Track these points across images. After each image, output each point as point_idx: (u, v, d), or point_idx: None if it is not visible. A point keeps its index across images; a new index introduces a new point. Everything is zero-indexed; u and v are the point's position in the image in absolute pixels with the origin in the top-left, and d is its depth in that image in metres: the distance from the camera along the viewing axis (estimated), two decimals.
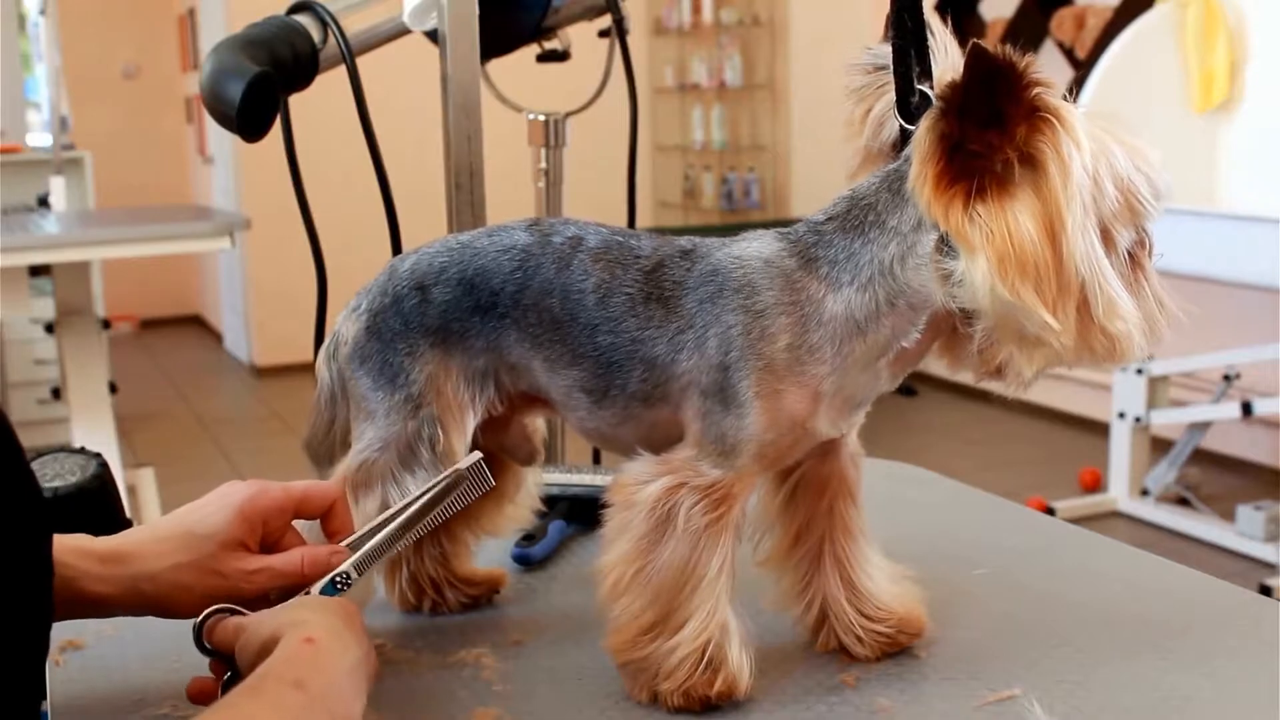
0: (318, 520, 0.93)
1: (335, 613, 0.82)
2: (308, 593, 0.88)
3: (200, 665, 0.85)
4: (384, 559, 0.92)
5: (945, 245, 0.82)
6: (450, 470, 0.93)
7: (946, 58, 0.88)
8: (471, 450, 0.97)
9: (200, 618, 0.84)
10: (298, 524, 0.93)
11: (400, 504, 0.92)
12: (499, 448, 1.06)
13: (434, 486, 0.92)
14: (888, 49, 0.88)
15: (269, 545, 0.91)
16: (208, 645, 0.83)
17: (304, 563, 0.89)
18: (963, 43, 0.89)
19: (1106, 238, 0.81)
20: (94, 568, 0.86)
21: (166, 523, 0.90)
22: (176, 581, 0.86)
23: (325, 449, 1.05)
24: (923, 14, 0.87)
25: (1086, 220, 0.79)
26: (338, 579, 0.88)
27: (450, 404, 0.97)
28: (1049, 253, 0.79)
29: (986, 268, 0.79)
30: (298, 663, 0.75)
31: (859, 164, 0.93)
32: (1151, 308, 0.84)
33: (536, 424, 1.08)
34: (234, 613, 0.84)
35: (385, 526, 0.91)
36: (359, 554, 0.90)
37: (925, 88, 0.86)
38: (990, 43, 0.77)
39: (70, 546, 0.87)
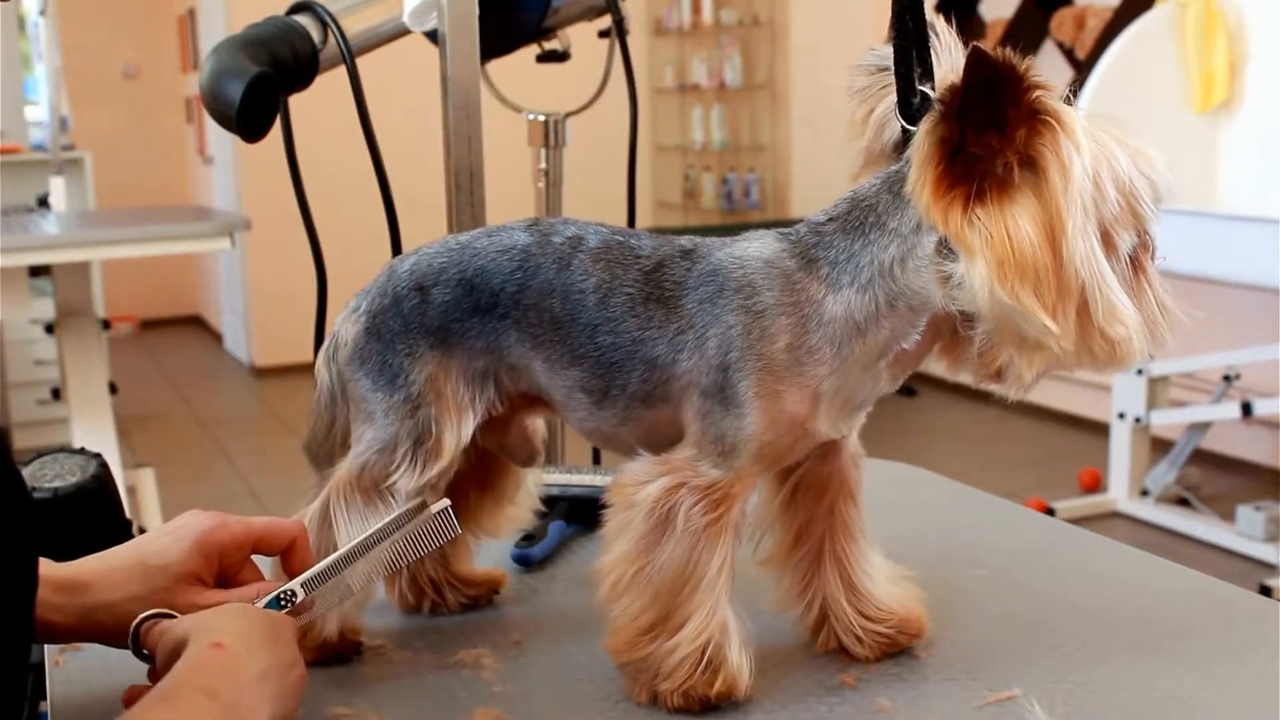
0: (277, 557, 0.93)
1: (254, 620, 0.81)
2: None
3: None
4: (339, 585, 0.91)
5: (945, 247, 0.82)
6: (412, 503, 0.93)
7: (950, 58, 0.88)
8: (448, 493, 0.97)
9: (135, 622, 0.84)
10: (257, 559, 0.93)
11: (360, 537, 0.92)
12: (499, 448, 1.06)
13: (395, 517, 0.92)
14: (891, 50, 0.88)
15: (226, 579, 0.91)
16: (144, 651, 0.83)
17: (258, 598, 0.89)
18: (964, 44, 0.89)
19: (1107, 241, 0.81)
20: (50, 597, 0.86)
21: (124, 553, 0.89)
22: (131, 613, 0.86)
23: (325, 451, 1.05)
24: (924, 14, 0.86)
25: (1087, 223, 0.79)
26: (282, 595, 0.88)
27: (449, 405, 0.97)
28: (1049, 256, 0.79)
29: (985, 271, 0.79)
30: (208, 670, 0.75)
31: (861, 165, 0.93)
32: (1153, 311, 0.83)
33: (536, 425, 1.08)
34: (169, 617, 0.84)
35: (342, 559, 0.91)
36: (307, 573, 0.89)
37: (927, 89, 0.86)
38: (990, 43, 0.77)
39: None
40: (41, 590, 0.85)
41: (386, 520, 0.92)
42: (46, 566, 0.87)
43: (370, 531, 0.92)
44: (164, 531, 0.90)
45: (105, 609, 0.86)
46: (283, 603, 0.88)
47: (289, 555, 0.93)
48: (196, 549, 0.88)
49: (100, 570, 0.88)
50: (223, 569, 0.90)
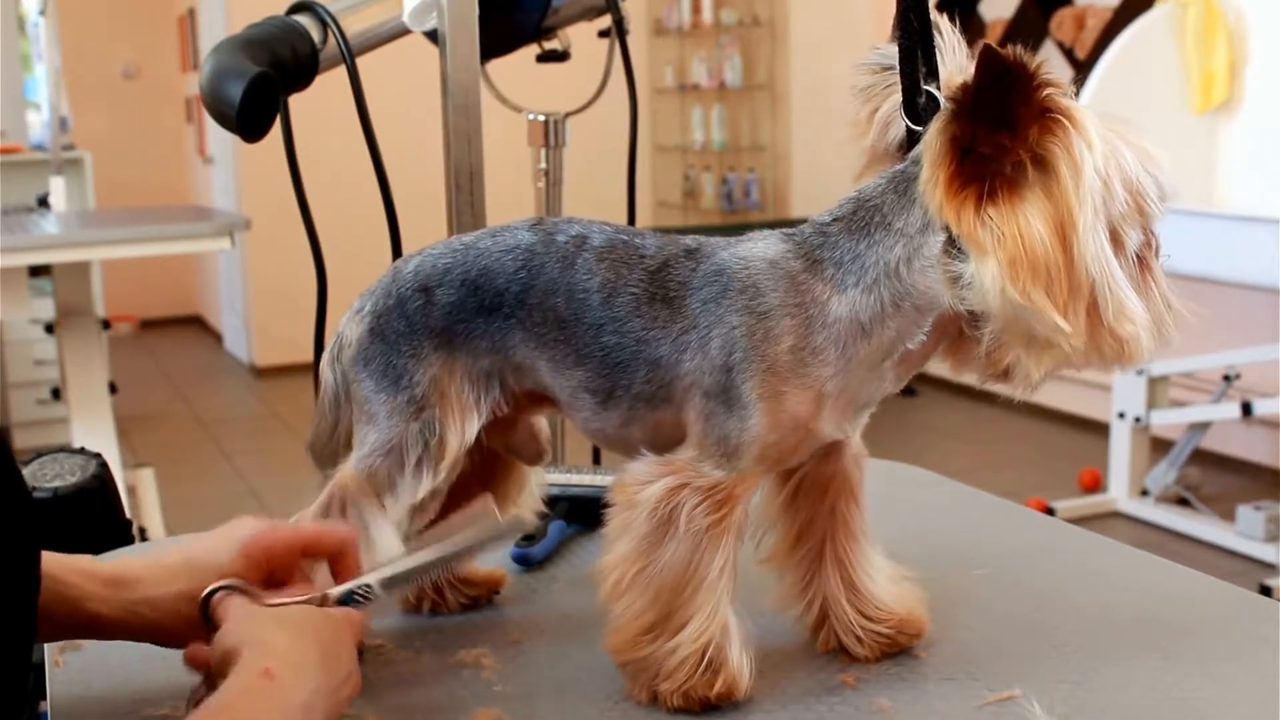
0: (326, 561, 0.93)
1: (309, 638, 0.80)
2: (324, 600, 0.87)
3: None
4: (409, 584, 0.91)
5: (953, 247, 0.82)
6: (472, 508, 0.92)
7: (954, 58, 0.88)
8: (482, 493, 0.98)
9: (206, 591, 0.84)
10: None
11: (429, 547, 0.91)
12: (505, 448, 1.06)
13: (473, 536, 0.92)
14: (895, 49, 0.88)
15: (275, 583, 0.90)
16: (210, 618, 0.84)
17: (330, 591, 0.89)
18: (966, 44, 0.89)
19: (1116, 239, 0.81)
20: (98, 589, 0.87)
21: (171, 551, 0.90)
22: (177, 610, 0.87)
23: (329, 452, 1.05)
24: (929, 14, 0.86)
25: (1097, 222, 0.79)
26: (358, 591, 0.87)
27: (453, 406, 0.97)
28: (1060, 255, 0.79)
29: (997, 270, 0.79)
30: (252, 698, 0.75)
31: (865, 165, 0.93)
32: (1160, 309, 0.84)
33: (542, 424, 1.08)
34: (242, 591, 0.84)
35: (394, 569, 0.90)
36: (387, 570, 0.89)
37: (932, 88, 0.86)
38: (993, 43, 0.77)
39: (75, 567, 0.88)
40: (88, 583, 0.87)
41: (469, 534, 0.91)
42: (92, 561, 0.89)
43: (452, 541, 0.91)
44: (214, 533, 0.91)
45: (150, 604, 0.87)
46: (358, 598, 0.88)
47: (338, 559, 0.92)
48: (244, 552, 0.88)
49: (149, 566, 0.89)
50: (271, 572, 0.90)
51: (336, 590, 0.88)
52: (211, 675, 0.81)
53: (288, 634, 0.80)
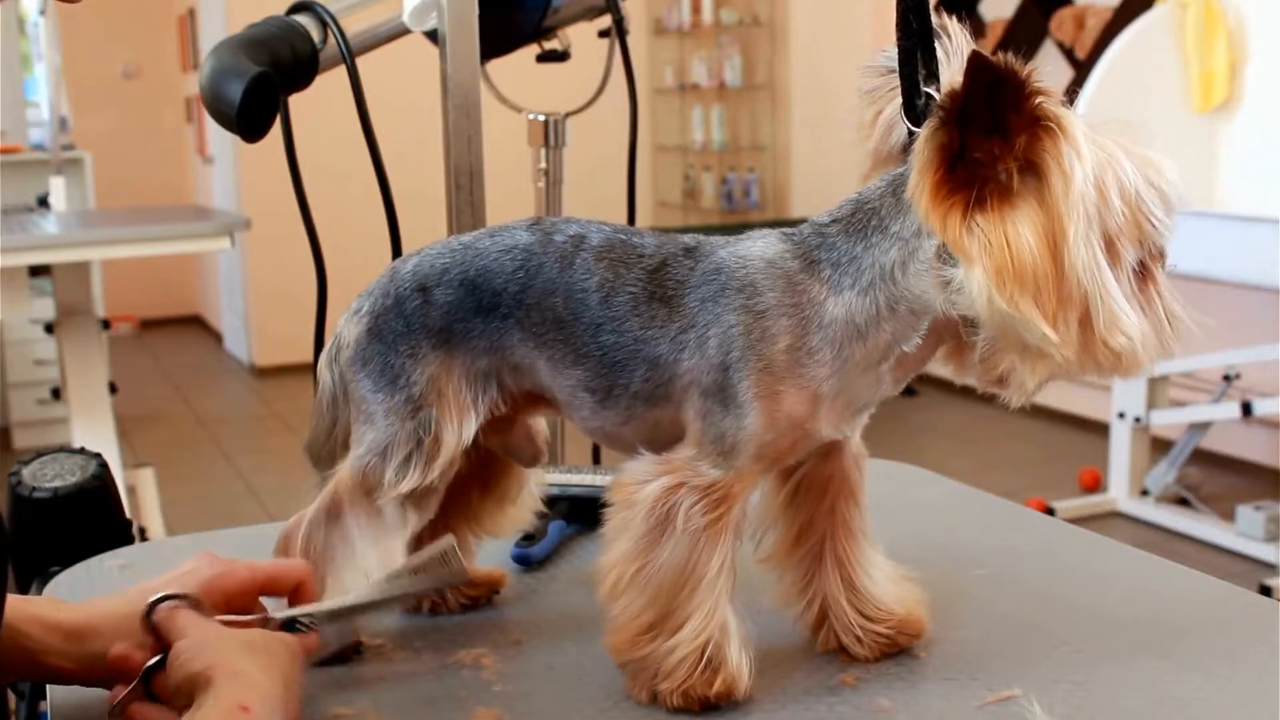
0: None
1: (277, 675, 0.80)
2: (268, 623, 0.88)
3: None
4: (351, 619, 0.92)
5: (946, 252, 0.81)
6: (434, 547, 0.94)
7: (960, 60, 0.87)
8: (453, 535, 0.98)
9: (151, 600, 0.84)
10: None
11: (377, 579, 0.94)
12: (503, 449, 1.06)
13: (414, 562, 0.94)
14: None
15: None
16: (154, 627, 0.84)
17: (274, 614, 0.90)
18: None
19: (1111, 250, 0.80)
20: (57, 643, 0.87)
21: (130, 599, 0.89)
22: (140, 660, 0.86)
23: (327, 452, 1.05)
24: (929, 15, 0.86)
25: (1090, 232, 0.78)
26: (301, 619, 0.89)
27: (451, 406, 0.97)
28: (1049, 264, 0.78)
29: (984, 278, 0.78)
30: None
31: (870, 167, 0.92)
32: (1160, 321, 0.83)
33: (540, 426, 1.08)
34: (183, 598, 0.85)
35: (336, 603, 0.92)
36: (328, 603, 0.90)
37: (932, 90, 0.85)
38: (990, 43, 0.77)
39: (34, 617, 0.88)
40: (49, 637, 0.87)
41: (418, 580, 0.93)
42: (55, 611, 0.89)
43: (394, 573, 0.93)
44: (170, 576, 0.90)
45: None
46: (299, 626, 0.89)
47: (296, 596, 0.94)
48: (203, 597, 0.88)
49: (108, 616, 0.88)
50: (229, 610, 0.90)
51: (280, 615, 0.89)
52: (163, 688, 0.81)
53: (259, 665, 0.80)
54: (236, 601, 0.91)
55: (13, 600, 0.87)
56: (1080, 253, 0.78)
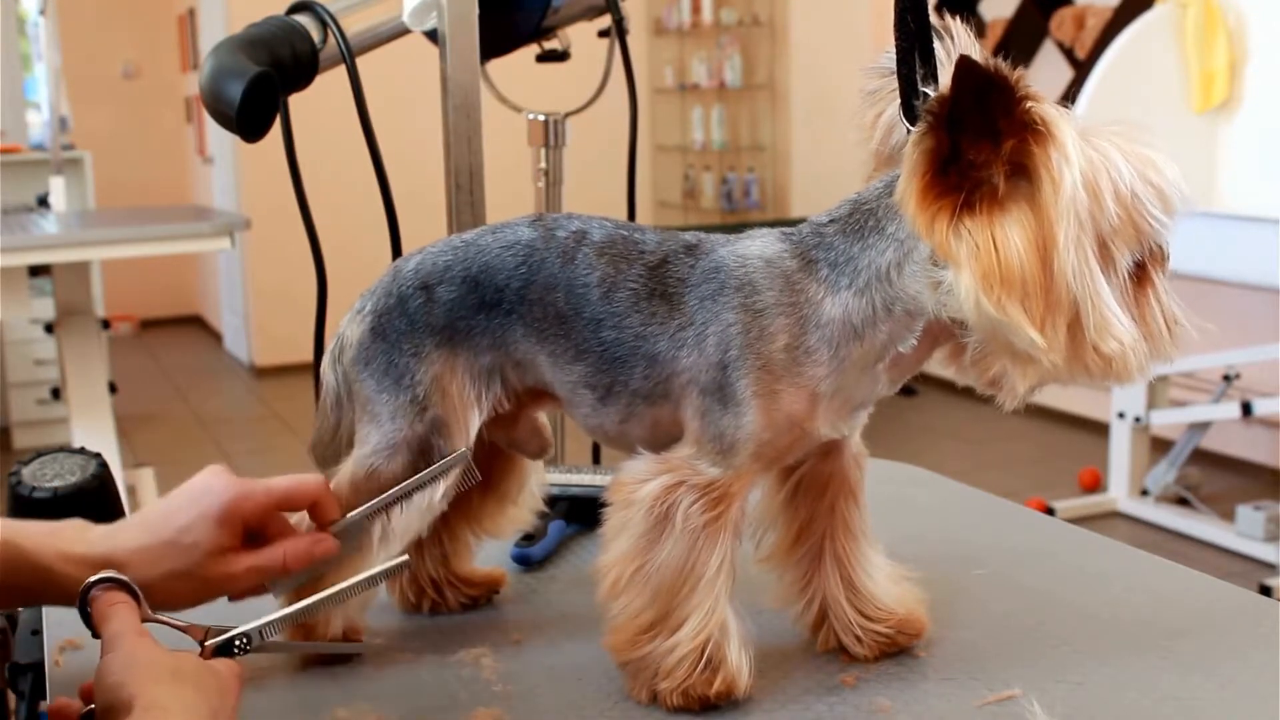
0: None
1: (203, 698, 0.76)
2: (203, 648, 0.87)
3: None
4: (287, 621, 0.92)
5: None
6: (453, 455, 0.96)
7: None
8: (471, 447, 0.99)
9: (85, 585, 0.84)
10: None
11: (392, 490, 0.96)
12: (509, 443, 1.06)
13: (428, 471, 0.96)
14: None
15: (255, 535, 0.94)
16: (89, 611, 0.84)
17: (285, 557, 0.93)
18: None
19: (1105, 254, 0.79)
20: (81, 574, 0.87)
21: (151, 530, 0.90)
22: (168, 589, 0.89)
23: (331, 452, 1.05)
24: (927, 15, 0.86)
25: (1081, 236, 0.77)
26: (237, 641, 0.89)
27: (455, 404, 0.97)
28: (1038, 269, 0.77)
29: (971, 282, 0.78)
30: None
31: (873, 168, 0.92)
32: (1157, 325, 0.82)
33: (545, 418, 1.08)
34: (118, 582, 0.85)
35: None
36: (260, 621, 0.90)
37: (929, 90, 0.85)
38: (990, 43, 0.77)
39: (59, 551, 0.88)
40: (78, 569, 0.87)
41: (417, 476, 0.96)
42: (84, 542, 0.90)
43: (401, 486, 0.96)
44: (187, 501, 0.91)
45: (142, 586, 0.87)
46: (236, 650, 0.89)
47: (316, 510, 0.96)
48: (222, 524, 0.91)
49: (134, 549, 0.90)
50: (250, 529, 0.93)
51: (215, 640, 0.88)
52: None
53: (182, 700, 0.75)
54: (256, 522, 0.93)
55: (37, 531, 0.88)
56: (1070, 257, 0.77)
